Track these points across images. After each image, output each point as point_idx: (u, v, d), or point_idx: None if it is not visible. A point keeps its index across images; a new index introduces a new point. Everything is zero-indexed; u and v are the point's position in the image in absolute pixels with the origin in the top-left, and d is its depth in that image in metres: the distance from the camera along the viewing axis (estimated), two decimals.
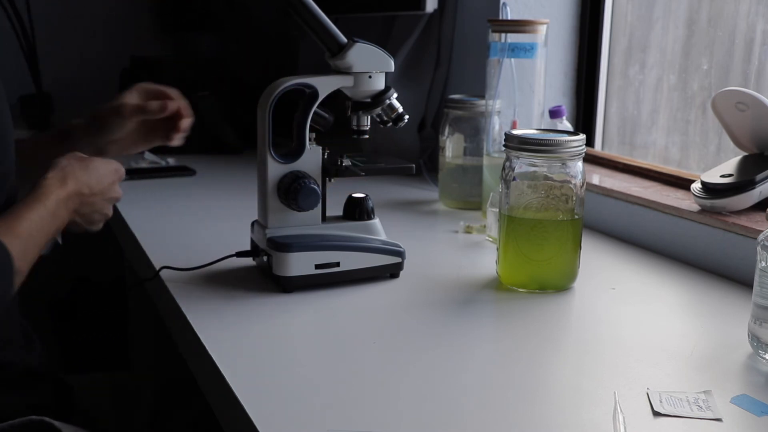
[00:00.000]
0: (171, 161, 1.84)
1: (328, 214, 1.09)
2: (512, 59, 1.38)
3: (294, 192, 1.03)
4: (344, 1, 1.86)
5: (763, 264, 0.85)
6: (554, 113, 1.48)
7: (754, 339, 0.87)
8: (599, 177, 1.45)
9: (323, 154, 1.06)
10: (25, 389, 1.03)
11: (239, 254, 1.09)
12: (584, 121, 1.68)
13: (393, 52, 1.37)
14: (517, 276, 1.07)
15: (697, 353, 0.88)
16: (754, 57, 1.34)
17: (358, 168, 1.08)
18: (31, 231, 0.94)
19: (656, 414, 0.74)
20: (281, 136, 1.05)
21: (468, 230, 1.36)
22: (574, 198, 1.04)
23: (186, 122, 1.16)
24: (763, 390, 0.80)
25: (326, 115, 1.07)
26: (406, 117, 1.09)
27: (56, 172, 1.00)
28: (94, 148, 1.16)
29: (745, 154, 1.22)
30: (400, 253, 1.09)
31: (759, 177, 1.13)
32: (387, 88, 1.07)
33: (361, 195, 1.10)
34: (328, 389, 0.79)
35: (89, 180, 1.02)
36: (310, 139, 1.05)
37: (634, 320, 0.98)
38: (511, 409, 0.75)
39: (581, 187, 1.05)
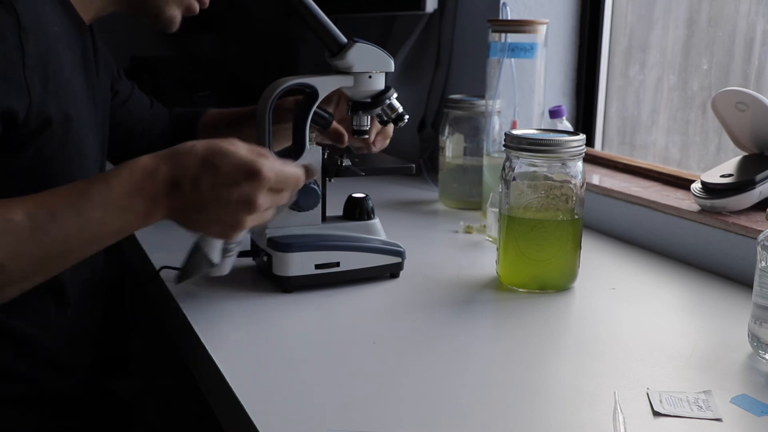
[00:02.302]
0: None
1: (328, 214, 1.09)
2: (512, 59, 1.38)
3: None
4: (344, 1, 1.86)
5: (763, 264, 0.85)
6: (554, 113, 1.48)
7: (754, 339, 0.87)
8: (599, 177, 1.45)
9: (323, 154, 1.06)
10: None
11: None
12: (584, 121, 1.68)
13: (393, 52, 1.37)
14: (517, 276, 1.07)
15: (697, 353, 0.88)
16: (754, 57, 1.34)
17: (358, 168, 1.08)
18: (65, 211, 0.77)
19: (656, 414, 0.74)
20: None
21: (468, 230, 1.36)
22: (574, 198, 1.04)
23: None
24: (763, 390, 0.80)
25: (326, 115, 1.07)
26: (406, 117, 1.09)
27: (158, 156, 0.81)
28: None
29: (745, 154, 1.22)
30: (400, 253, 1.09)
31: (759, 177, 1.13)
32: (387, 88, 1.07)
33: (361, 195, 1.10)
34: (328, 389, 0.79)
35: (201, 173, 0.80)
36: (310, 139, 1.05)
37: (634, 320, 0.98)
38: (511, 409, 0.75)
39: (581, 187, 1.05)
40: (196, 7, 1.05)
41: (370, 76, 1.04)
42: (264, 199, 0.83)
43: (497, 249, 1.09)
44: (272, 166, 0.83)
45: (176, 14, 1.03)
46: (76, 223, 0.78)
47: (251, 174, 0.81)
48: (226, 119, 1.28)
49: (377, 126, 1.13)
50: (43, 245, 0.76)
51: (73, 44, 0.94)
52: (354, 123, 1.09)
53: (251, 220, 0.84)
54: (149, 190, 0.80)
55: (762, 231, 0.88)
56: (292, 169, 0.87)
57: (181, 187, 0.80)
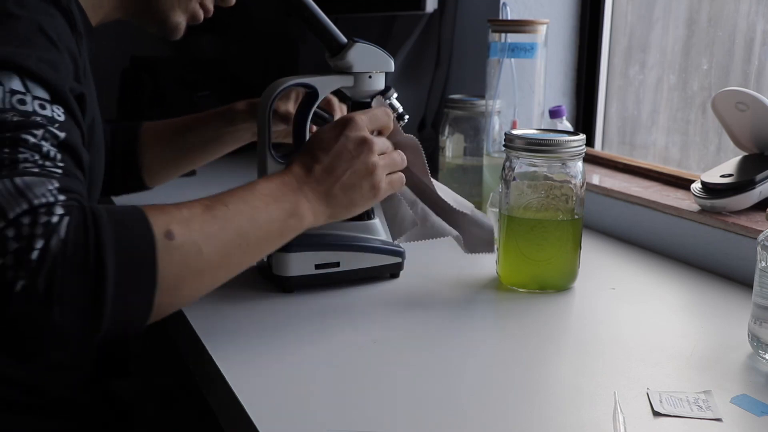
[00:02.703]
0: None
1: None
2: (512, 59, 1.38)
3: None
4: (344, 1, 1.86)
5: (763, 264, 0.85)
6: (554, 113, 1.48)
7: (754, 339, 0.87)
8: (599, 177, 1.45)
9: None
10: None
11: None
12: (584, 121, 1.68)
13: (393, 52, 1.37)
14: (517, 276, 1.07)
15: (697, 353, 0.88)
16: (754, 57, 1.34)
17: None
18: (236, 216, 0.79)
19: (656, 414, 0.74)
20: None
21: None
22: (574, 198, 1.04)
23: None
24: (763, 390, 0.80)
25: (326, 115, 1.07)
26: (407, 117, 1.09)
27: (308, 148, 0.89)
28: (251, 134, 1.21)
29: (745, 154, 1.22)
30: (400, 253, 1.09)
31: (759, 177, 1.13)
32: (387, 88, 1.07)
33: None
34: (328, 389, 0.79)
35: (318, 156, 0.88)
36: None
37: (634, 320, 0.98)
38: (511, 409, 0.75)
39: (581, 187, 1.05)
40: (201, 14, 1.05)
41: (370, 76, 1.04)
42: (376, 144, 0.91)
43: (497, 249, 1.09)
44: (359, 112, 0.93)
45: (181, 21, 1.03)
46: (248, 215, 0.80)
47: (345, 124, 0.90)
48: (168, 130, 1.28)
49: None
50: (225, 233, 0.77)
51: (86, 48, 0.95)
52: None
53: (381, 177, 0.91)
54: (289, 182, 0.86)
55: (762, 231, 0.88)
56: (375, 108, 0.96)
57: (313, 171, 0.87)
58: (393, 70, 1.05)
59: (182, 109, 1.51)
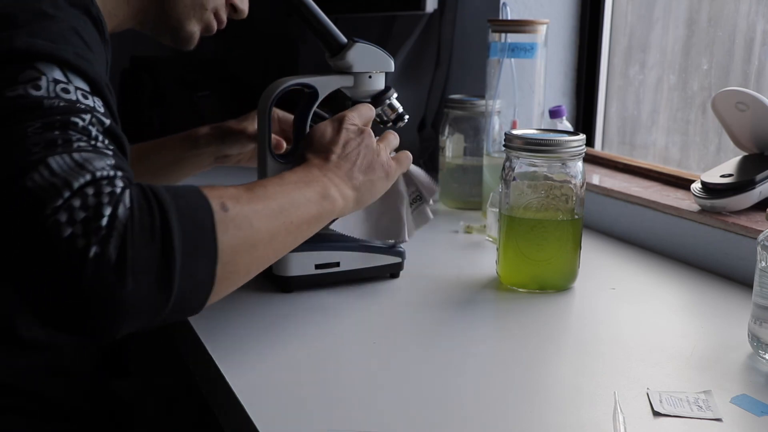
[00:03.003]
0: None
1: None
2: (512, 59, 1.38)
3: None
4: (344, 1, 1.86)
5: (763, 264, 0.85)
6: (554, 113, 1.48)
7: (754, 339, 0.87)
8: (599, 177, 1.45)
9: None
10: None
11: None
12: (584, 121, 1.68)
13: (393, 52, 1.37)
14: (517, 276, 1.07)
15: (697, 353, 0.88)
16: (754, 57, 1.34)
17: None
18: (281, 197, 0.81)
19: (656, 414, 0.74)
20: None
21: (468, 230, 1.36)
22: (574, 198, 1.04)
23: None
24: (763, 390, 0.80)
25: (326, 115, 1.07)
26: (407, 117, 1.09)
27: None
28: (214, 158, 1.21)
29: (745, 154, 1.22)
30: (400, 253, 1.09)
31: (759, 177, 1.13)
32: (387, 88, 1.07)
33: None
34: (328, 389, 0.79)
35: (335, 139, 0.94)
36: None
37: (634, 320, 0.98)
38: (511, 409, 0.75)
39: (581, 187, 1.05)
40: (215, 25, 1.05)
41: (370, 76, 1.04)
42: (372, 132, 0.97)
43: (497, 249, 1.09)
44: (348, 110, 0.99)
45: (196, 31, 1.03)
46: (287, 196, 0.82)
47: (340, 120, 0.96)
48: (133, 154, 1.27)
49: None
50: (270, 210, 0.79)
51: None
52: None
53: (387, 157, 0.97)
54: (312, 171, 0.89)
55: (762, 231, 0.88)
56: (360, 105, 1.01)
57: (331, 160, 0.92)
58: (393, 70, 1.05)
59: (182, 110, 1.51)
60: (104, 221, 0.63)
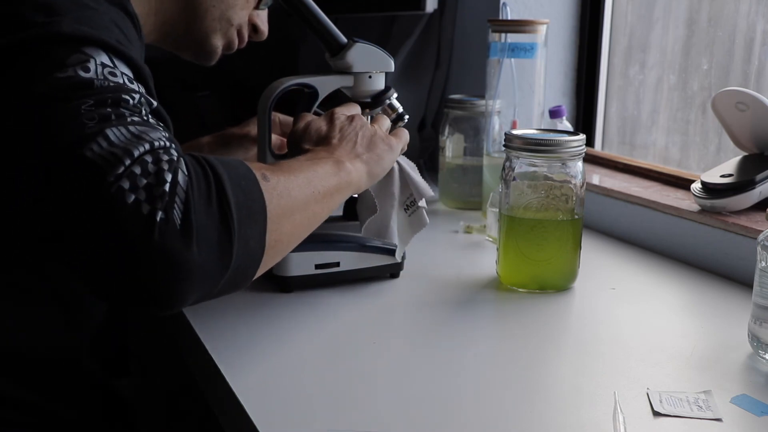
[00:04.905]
0: None
1: None
2: (512, 59, 1.38)
3: None
4: (344, 1, 1.86)
5: (763, 264, 0.85)
6: (554, 113, 1.48)
7: (754, 339, 0.87)
8: (599, 177, 1.45)
9: None
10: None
11: None
12: (584, 121, 1.68)
13: (393, 52, 1.37)
14: (517, 276, 1.07)
15: (697, 353, 0.88)
16: (754, 57, 1.34)
17: None
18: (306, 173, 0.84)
19: (656, 414, 0.74)
20: None
21: (468, 230, 1.36)
22: (574, 198, 1.04)
23: None
24: (763, 390, 0.80)
25: None
26: (407, 117, 1.09)
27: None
28: None
29: (745, 154, 1.22)
30: None
31: (759, 177, 1.13)
32: (387, 88, 1.07)
33: None
34: (328, 389, 0.79)
35: (340, 126, 0.96)
36: None
37: (634, 320, 0.98)
38: (511, 409, 0.75)
39: (581, 187, 1.05)
40: (236, 43, 1.06)
41: (370, 76, 1.04)
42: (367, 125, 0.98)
43: (497, 249, 1.09)
44: (336, 108, 1.00)
45: (219, 45, 1.04)
46: (308, 169, 0.84)
47: (330, 114, 0.97)
48: None
49: None
50: (299, 181, 0.81)
51: None
52: None
53: (385, 134, 0.98)
54: (319, 152, 0.91)
55: (762, 231, 0.88)
56: (347, 104, 1.03)
57: (332, 143, 0.93)
58: (393, 70, 1.05)
59: (182, 110, 1.50)
60: (167, 187, 0.64)
